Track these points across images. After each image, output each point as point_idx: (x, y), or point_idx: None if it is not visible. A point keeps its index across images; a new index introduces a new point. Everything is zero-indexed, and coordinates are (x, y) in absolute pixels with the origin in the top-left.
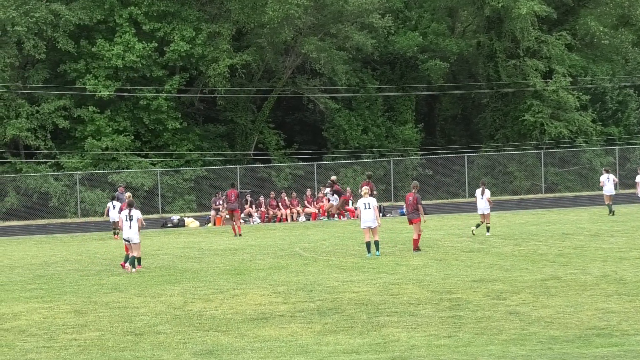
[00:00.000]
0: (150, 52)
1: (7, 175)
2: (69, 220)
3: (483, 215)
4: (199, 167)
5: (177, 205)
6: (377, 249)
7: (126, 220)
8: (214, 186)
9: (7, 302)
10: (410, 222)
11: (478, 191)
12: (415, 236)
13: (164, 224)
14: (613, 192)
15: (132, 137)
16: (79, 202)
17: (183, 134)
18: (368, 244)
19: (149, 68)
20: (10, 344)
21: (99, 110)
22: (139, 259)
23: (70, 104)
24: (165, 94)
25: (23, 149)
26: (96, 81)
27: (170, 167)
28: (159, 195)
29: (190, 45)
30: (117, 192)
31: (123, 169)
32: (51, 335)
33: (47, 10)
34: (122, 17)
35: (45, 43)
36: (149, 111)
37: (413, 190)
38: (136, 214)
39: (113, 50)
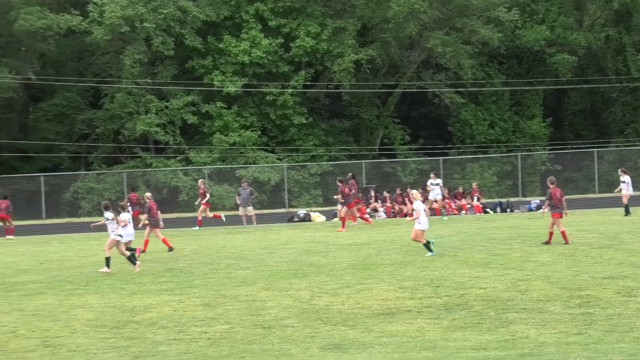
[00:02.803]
0: (276, 48)
1: (137, 170)
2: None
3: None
4: (324, 162)
5: (304, 200)
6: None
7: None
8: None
9: (138, 294)
10: (557, 216)
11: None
12: (562, 229)
13: (290, 219)
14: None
15: (259, 133)
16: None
17: (309, 129)
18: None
19: (274, 64)
20: (142, 336)
21: (226, 106)
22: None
23: (198, 100)
24: (291, 90)
25: (153, 144)
26: (223, 77)
27: (297, 162)
28: (286, 190)
29: (316, 41)
30: (240, 187)
31: (250, 164)
32: (181, 327)
33: (175, 7)
34: (248, 14)
35: (173, 39)
36: (275, 107)
37: (552, 186)
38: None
39: (240, 46)
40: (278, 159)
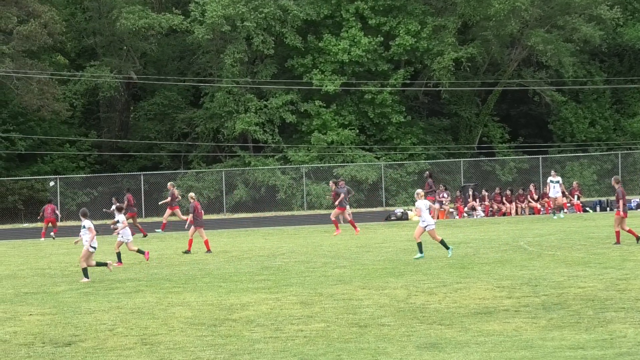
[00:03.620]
0: (375, 46)
1: (236, 169)
2: (295, 212)
3: None
4: (422, 161)
5: (401, 199)
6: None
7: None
8: (438, 180)
9: (235, 292)
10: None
11: None
12: (618, 229)
13: (387, 217)
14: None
15: (357, 131)
16: (304, 195)
17: (407, 128)
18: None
19: (374, 62)
20: (239, 334)
21: (324, 105)
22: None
23: (297, 99)
24: (389, 88)
25: (251, 142)
26: (322, 76)
27: (394, 160)
28: (383, 188)
29: (416, 39)
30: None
31: (348, 162)
32: (278, 325)
33: (275, 6)
34: (348, 12)
35: (273, 38)
36: (374, 105)
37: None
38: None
39: (339, 45)
40: (376, 157)
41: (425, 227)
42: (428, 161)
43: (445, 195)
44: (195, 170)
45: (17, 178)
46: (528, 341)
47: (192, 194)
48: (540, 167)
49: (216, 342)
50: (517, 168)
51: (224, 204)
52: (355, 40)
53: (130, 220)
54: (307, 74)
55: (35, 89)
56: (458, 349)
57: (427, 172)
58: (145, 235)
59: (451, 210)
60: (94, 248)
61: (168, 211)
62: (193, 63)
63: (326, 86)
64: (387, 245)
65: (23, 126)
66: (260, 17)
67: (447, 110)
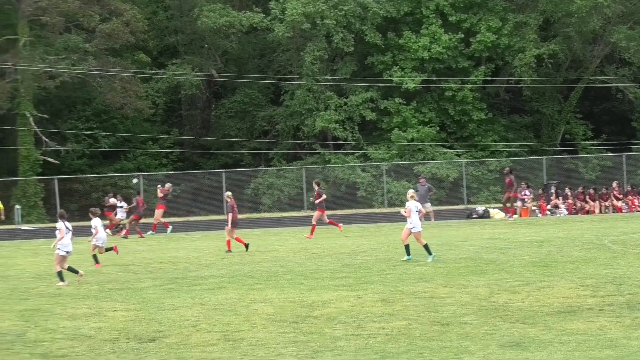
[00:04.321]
0: (456, 43)
1: (316, 166)
2: (376, 210)
3: None
4: (504, 158)
5: (482, 196)
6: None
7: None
8: (520, 177)
9: (317, 290)
10: None
11: None
12: None
13: (468, 215)
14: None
15: (437, 128)
16: (385, 193)
17: (488, 125)
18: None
19: (454, 59)
20: (320, 331)
21: (404, 102)
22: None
23: (376, 96)
24: (470, 85)
25: (331, 140)
26: (402, 73)
27: (475, 158)
28: (464, 186)
29: (496, 36)
30: (418, 184)
31: (428, 160)
32: (359, 323)
33: (355, 4)
34: (429, 9)
35: (353, 36)
36: (454, 102)
37: None
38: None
39: (419, 42)
40: (456, 155)
41: (412, 229)
42: (510, 158)
43: (528, 192)
44: (276, 168)
45: (101, 175)
46: (612, 340)
47: (229, 193)
48: (624, 165)
49: (298, 339)
50: (601, 166)
51: (305, 201)
52: (436, 37)
53: (132, 222)
54: (387, 71)
55: (118, 87)
56: (541, 347)
57: (508, 168)
58: (141, 237)
59: (533, 208)
60: (68, 252)
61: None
62: (273, 61)
63: (406, 83)
64: (468, 243)
65: (106, 124)
66: (340, 15)
67: (529, 107)
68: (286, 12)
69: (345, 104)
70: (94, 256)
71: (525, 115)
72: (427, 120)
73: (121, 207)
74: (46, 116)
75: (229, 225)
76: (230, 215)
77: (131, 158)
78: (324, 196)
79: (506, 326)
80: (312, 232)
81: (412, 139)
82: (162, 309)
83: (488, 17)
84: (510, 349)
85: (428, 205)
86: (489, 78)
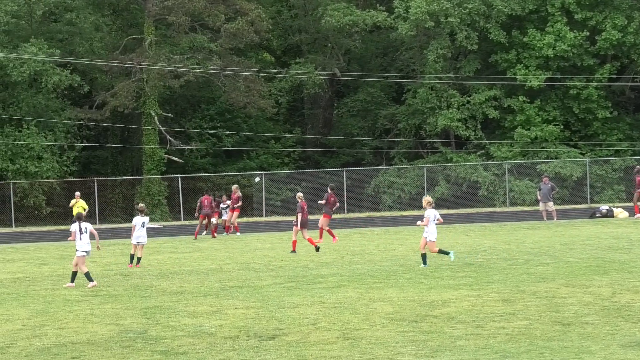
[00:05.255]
0: (581, 41)
1: (437, 165)
2: (498, 209)
3: None
4: (628, 157)
5: (606, 196)
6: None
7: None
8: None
9: (436, 289)
10: None
11: None
12: None
13: (592, 214)
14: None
15: (561, 127)
16: (507, 192)
17: (613, 123)
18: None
19: (579, 57)
20: (440, 330)
21: (528, 100)
22: (74, 274)
23: (500, 94)
24: (595, 83)
25: (453, 138)
26: (526, 71)
27: (600, 156)
28: (588, 185)
29: (622, 34)
30: (541, 182)
31: (552, 158)
32: (479, 322)
33: (480, 2)
34: (554, 7)
35: (477, 34)
36: (579, 100)
37: None
38: (89, 226)
39: (544, 40)
40: (580, 153)
41: (426, 237)
42: (635, 157)
43: None
44: (397, 167)
45: (224, 174)
46: None
47: (300, 194)
48: None
49: (417, 338)
50: None
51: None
52: (561, 34)
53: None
54: (511, 69)
55: (242, 86)
56: None
57: (638, 166)
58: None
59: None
60: (86, 252)
61: (234, 214)
62: (396, 59)
63: (530, 81)
64: (591, 242)
65: (230, 123)
66: (465, 13)
67: None
68: (410, 10)
69: (468, 102)
70: (132, 256)
71: None
72: (551, 118)
73: (225, 208)
74: (171, 115)
75: (298, 226)
76: (299, 215)
77: (254, 157)
78: (332, 202)
79: (628, 326)
80: (333, 236)
81: (536, 137)
82: (282, 307)
83: (614, 15)
84: (632, 349)
85: (551, 204)
86: (614, 76)
